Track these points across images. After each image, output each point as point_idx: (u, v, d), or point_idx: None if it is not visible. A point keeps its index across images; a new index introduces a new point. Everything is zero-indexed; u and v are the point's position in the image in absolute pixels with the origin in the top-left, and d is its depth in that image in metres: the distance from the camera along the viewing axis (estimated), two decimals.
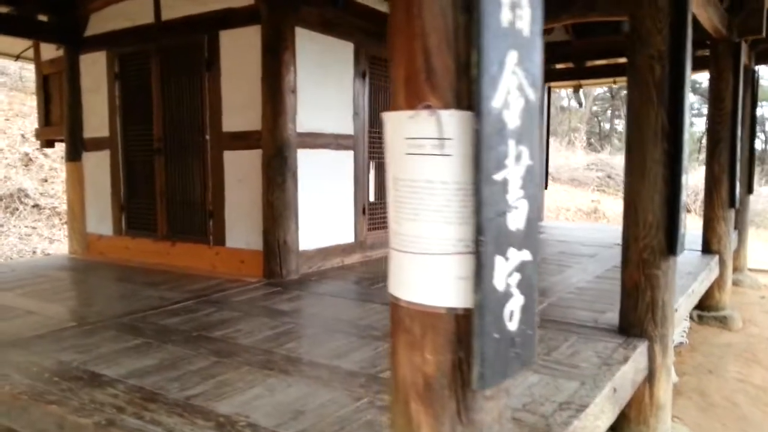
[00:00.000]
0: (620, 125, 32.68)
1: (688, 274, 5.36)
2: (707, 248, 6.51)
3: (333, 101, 5.80)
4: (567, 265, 5.97)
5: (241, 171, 5.51)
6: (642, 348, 3.37)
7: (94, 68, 6.50)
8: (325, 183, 5.78)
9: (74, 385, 2.75)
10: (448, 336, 1.46)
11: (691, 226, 5.45)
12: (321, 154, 5.69)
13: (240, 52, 5.39)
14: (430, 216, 1.47)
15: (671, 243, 3.35)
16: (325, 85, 5.67)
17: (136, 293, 4.82)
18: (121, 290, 4.96)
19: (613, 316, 3.74)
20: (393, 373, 1.57)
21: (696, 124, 30.81)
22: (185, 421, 2.37)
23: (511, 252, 1.48)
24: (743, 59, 6.56)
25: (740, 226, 8.61)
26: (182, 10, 5.69)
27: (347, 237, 6.10)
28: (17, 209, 11.98)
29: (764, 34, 6.21)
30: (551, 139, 23.27)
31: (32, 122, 14.65)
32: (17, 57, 8.58)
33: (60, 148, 8.41)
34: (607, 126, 34.28)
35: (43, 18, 6.65)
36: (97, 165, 6.64)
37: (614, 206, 20.92)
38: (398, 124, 1.50)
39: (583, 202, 21.36)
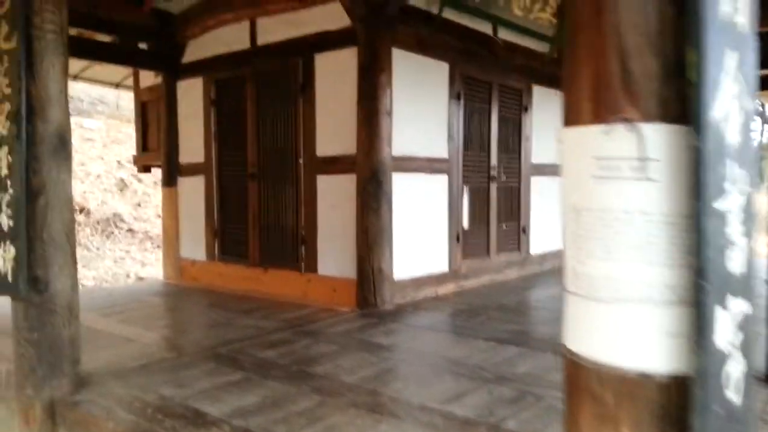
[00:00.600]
0: None
1: None
2: None
3: (427, 123, 5.59)
4: None
5: (335, 196, 5.37)
6: None
7: (191, 94, 6.60)
8: (419, 208, 5.55)
9: (178, 423, 2.60)
10: (653, 409, 1.15)
11: None
12: (415, 178, 5.48)
13: (335, 74, 5.29)
14: (627, 254, 1.18)
15: None
16: (419, 107, 5.48)
17: (231, 321, 4.72)
18: (216, 318, 4.89)
19: None
20: None
21: None
22: None
23: (733, 302, 1.17)
24: None
25: None
26: (278, 34, 5.67)
27: (441, 265, 5.83)
28: (112, 233, 12.46)
29: None
30: None
31: (128, 149, 15.36)
32: (117, 85, 8.96)
33: (154, 173, 8.65)
34: None
35: (143, 46, 6.85)
36: (192, 190, 6.71)
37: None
38: (583, 141, 1.23)
39: None
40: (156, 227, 12.80)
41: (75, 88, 11.75)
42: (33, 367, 3.09)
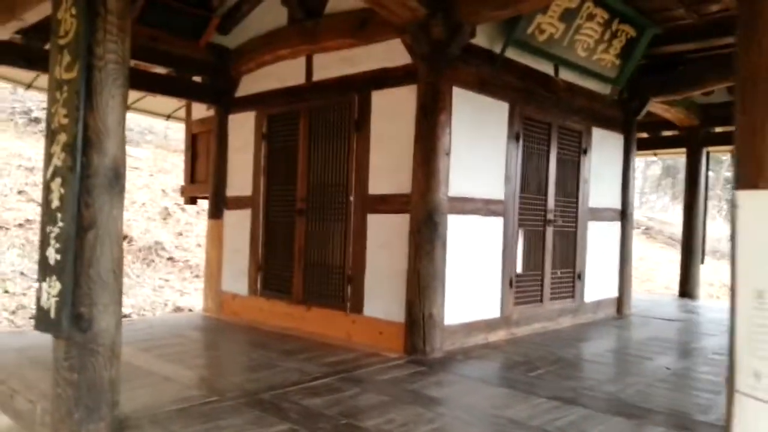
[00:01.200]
0: None
1: None
2: None
3: (485, 164, 5.38)
4: None
5: (385, 236, 5.18)
6: None
7: (243, 128, 6.56)
8: (472, 251, 5.31)
9: None
10: None
11: None
12: (470, 220, 5.25)
13: (392, 112, 5.16)
14: None
15: None
16: (477, 147, 5.28)
17: (274, 363, 4.52)
18: (258, 358, 4.69)
19: None
20: None
21: None
22: None
23: None
24: None
25: None
26: (335, 70, 5.59)
27: (492, 311, 5.55)
28: (153, 261, 12.50)
29: None
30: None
31: (173, 178, 15.56)
32: (168, 117, 9.03)
33: (198, 203, 8.62)
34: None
35: (197, 79, 6.87)
36: (238, 223, 6.61)
37: None
38: None
39: (721, 275, 19.28)
40: (196, 257, 12.82)
41: (126, 117, 11.98)
42: (70, 410, 2.93)
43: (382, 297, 5.17)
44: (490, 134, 5.43)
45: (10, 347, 4.86)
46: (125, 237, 12.47)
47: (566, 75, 6.28)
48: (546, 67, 6.02)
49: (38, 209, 11.29)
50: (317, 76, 5.80)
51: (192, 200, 7.78)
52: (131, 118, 13.62)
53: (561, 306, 6.39)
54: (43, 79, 7.04)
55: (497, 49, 5.35)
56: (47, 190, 3.00)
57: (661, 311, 7.89)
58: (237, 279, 6.61)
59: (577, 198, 6.57)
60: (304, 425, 3.15)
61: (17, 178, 13.34)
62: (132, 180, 14.75)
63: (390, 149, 5.16)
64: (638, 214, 19.33)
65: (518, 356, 4.94)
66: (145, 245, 12.82)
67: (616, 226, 7.32)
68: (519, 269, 5.83)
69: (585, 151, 6.64)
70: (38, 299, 3.01)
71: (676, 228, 22.45)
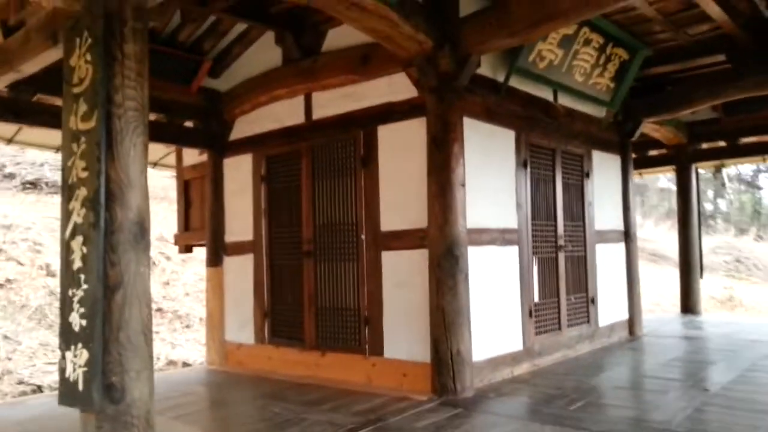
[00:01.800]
0: (723, 205, 30.58)
1: None
2: None
3: (497, 193, 5.29)
4: None
5: (402, 273, 5.01)
6: None
7: (239, 171, 6.38)
8: (492, 283, 5.16)
9: None
10: None
11: None
12: (488, 251, 5.12)
13: (400, 146, 5.04)
14: None
15: None
16: (488, 176, 5.18)
17: (300, 417, 4.26)
18: (282, 412, 4.42)
19: None
20: None
21: None
22: None
23: None
24: None
25: None
26: (336, 107, 5.48)
27: (515, 344, 5.38)
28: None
29: None
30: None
31: (156, 227, 15.16)
32: (155, 164, 8.79)
33: (180, 252, 8.29)
34: (710, 207, 31.98)
35: (188, 124, 6.70)
36: (240, 270, 6.37)
37: (750, 293, 18.94)
38: None
39: (715, 289, 19.51)
40: (185, 306, 12.44)
41: None
42: None
43: (404, 337, 4.97)
44: (499, 163, 5.35)
45: (8, 420, 4.52)
46: None
47: (564, 100, 6.27)
48: (546, 94, 6.00)
49: (20, 268, 10.87)
50: (317, 114, 5.68)
51: (187, 249, 7.50)
52: None
53: (578, 332, 6.25)
54: (26, 133, 6.79)
55: (500, 78, 5.30)
56: (67, 250, 2.78)
57: (670, 330, 7.82)
58: (242, 328, 6.34)
59: (583, 221, 6.50)
60: None
61: None
62: None
63: (401, 184, 5.03)
64: None
65: (551, 389, 4.76)
66: None
67: (621, 247, 7.27)
68: (536, 298, 5.70)
69: (587, 175, 6.61)
70: (62, 370, 2.76)
71: (656, 244, 22.71)
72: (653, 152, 10.08)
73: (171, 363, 10.04)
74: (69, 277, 2.76)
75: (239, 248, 6.40)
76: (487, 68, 5.14)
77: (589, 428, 3.69)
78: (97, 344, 2.64)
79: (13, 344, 9.11)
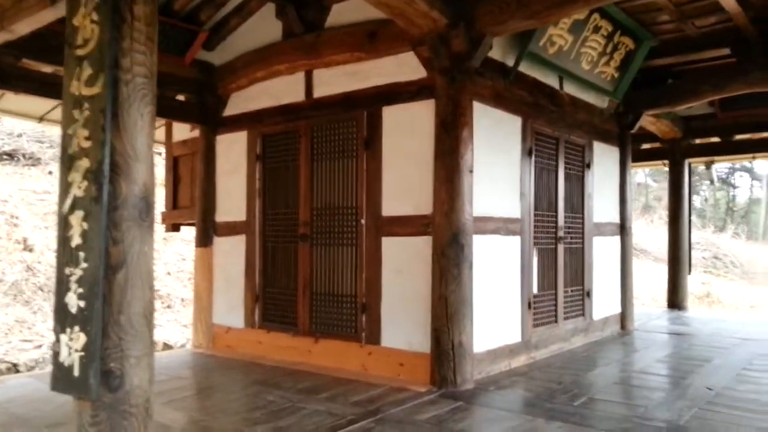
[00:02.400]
0: (697, 202, 31.01)
1: None
2: None
3: (502, 181, 5.16)
4: None
5: (403, 260, 4.86)
6: None
7: (233, 149, 6.15)
8: (495, 273, 5.05)
9: None
10: None
11: None
12: (492, 240, 4.99)
13: (406, 128, 4.87)
14: None
15: None
16: (495, 164, 5.04)
17: (297, 406, 4.10)
18: (277, 401, 4.26)
19: None
20: None
21: None
22: None
23: None
24: None
25: None
26: (339, 86, 5.28)
27: (514, 336, 5.28)
28: None
29: None
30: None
31: None
32: None
33: (170, 231, 8.04)
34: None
35: (181, 98, 6.43)
36: (231, 251, 6.17)
37: (727, 290, 19.19)
38: None
39: (693, 285, 19.73)
40: (166, 286, 12.18)
41: None
42: None
43: (402, 326, 4.84)
44: (505, 149, 5.22)
45: None
46: None
47: (569, 89, 6.15)
48: (552, 81, 5.87)
49: None
50: (318, 93, 5.47)
51: (174, 227, 7.26)
52: None
53: (573, 325, 6.19)
54: (7, 100, 6.46)
55: (510, 62, 5.15)
56: (65, 225, 2.57)
57: (660, 325, 7.81)
58: (231, 311, 6.15)
59: (582, 213, 6.42)
60: None
61: None
62: None
63: (405, 168, 4.87)
64: None
65: (551, 383, 4.67)
66: None
67: (617, 240, 7.21)
68: (535, 289, 5.60)
69: (588, 166, 6.51)
70: (56, 354, 2.56)
71: (634, 237, 22.94)
72: (646, 145, 10.04)
73: (172, 351, 9.82)
74: (66, 255, 2.55)
75: (231, 229, 6.20)
76: (497, 51, 4.97)
77: (595, 426, 3.60)
78: (95, 327, 2.45)
79: None
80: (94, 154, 2.50)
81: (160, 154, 8.27)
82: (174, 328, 10.74)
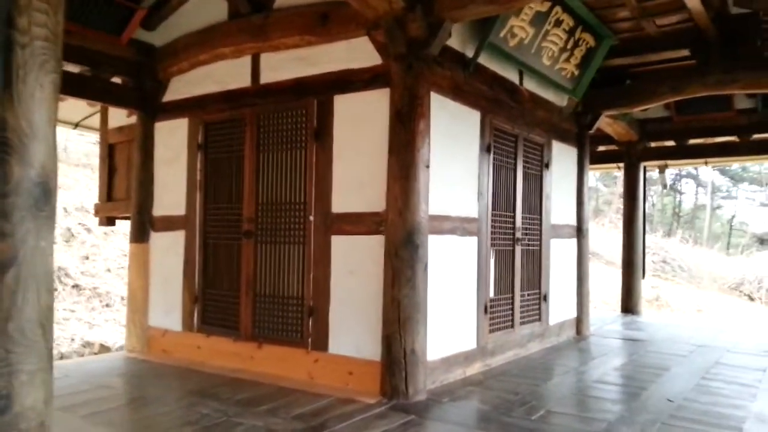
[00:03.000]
0: (646, 207, 31.70)
1: None
2: None
3: (460, 179, 4.88)
4: None
5: (354, 260, 4.53)
6: None
7: (173, 137, 5.70)
8: (450, 276, 4.77)
9: None
10: None
11: None
12: (448, 240, 4.71)
13: (359, 119, 4.54)
14: None
15: None
16: (452, 159, 4.77)
17: (232, 420, 3.72)
18: (211, 414, 3.86)
19: None
20: None
21: None
22: None
23: None
24: None
25: None
26: (287, 72, 4.90)
27: (469, 342, 5.02)
28: (56, 289, 11.07)
29: None
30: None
31: (75, 195, 14.03)
32: (76, 125, 7.92)
33: (104, 224, 7.48)
34: None
35: (117, 81, 5.94)
36: (168, 248, 5.71)
37: (676, 294, 19.55)
38: None
39: (643, 288, 20.02)
40: (106, 284, 11.54)
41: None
42: None
43: (352, 331, 4.51)
44: (463, 145, 4.94)
45: None
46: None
47: (529, 85, 5.94)
48: (512, 75, 5.64)
49: None
50: (266, 78, 5.08)
51: (109, 221, 6.73)
52: None
53: (530, 330, 5.97)
54: None
55: (469, 53, 4.88)
56: None
57: (615, 330, 7.71)
58: (168, 312, 5.70)
59: (540, 215, 6.21)
60: None
61: None
62: None
63: (357, 161, 4.54)
64: None
65: (507, 393, 4.41)
66: None
67: (573, 243, 7.06)
68: (492, 293, 5.35)
69: (547, 165, 6.31)
70: None
71: None
72: (602, 148, 9.98)
73: (87, 344, 9.22)
74: None
75: (169, 223, 5.74)
76: (456, 40, 4.70)
77: None
78: None
79: None
80: None
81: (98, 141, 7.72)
82: (113, 328, 10.16)
